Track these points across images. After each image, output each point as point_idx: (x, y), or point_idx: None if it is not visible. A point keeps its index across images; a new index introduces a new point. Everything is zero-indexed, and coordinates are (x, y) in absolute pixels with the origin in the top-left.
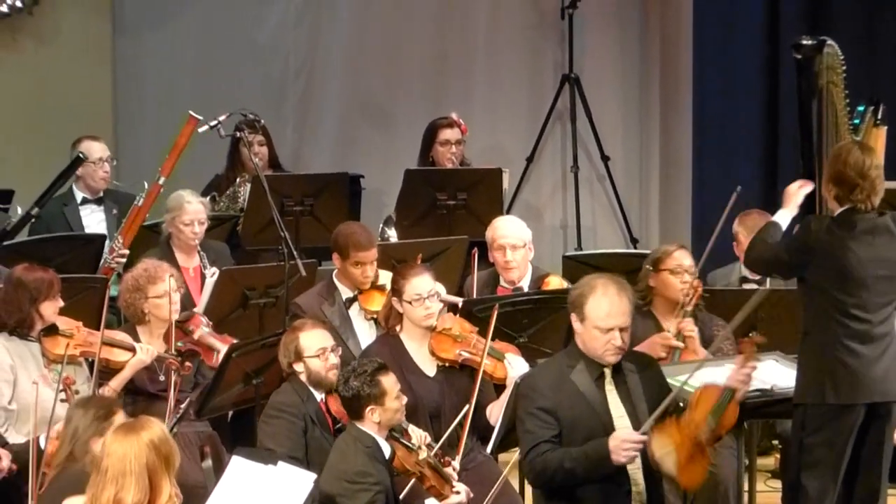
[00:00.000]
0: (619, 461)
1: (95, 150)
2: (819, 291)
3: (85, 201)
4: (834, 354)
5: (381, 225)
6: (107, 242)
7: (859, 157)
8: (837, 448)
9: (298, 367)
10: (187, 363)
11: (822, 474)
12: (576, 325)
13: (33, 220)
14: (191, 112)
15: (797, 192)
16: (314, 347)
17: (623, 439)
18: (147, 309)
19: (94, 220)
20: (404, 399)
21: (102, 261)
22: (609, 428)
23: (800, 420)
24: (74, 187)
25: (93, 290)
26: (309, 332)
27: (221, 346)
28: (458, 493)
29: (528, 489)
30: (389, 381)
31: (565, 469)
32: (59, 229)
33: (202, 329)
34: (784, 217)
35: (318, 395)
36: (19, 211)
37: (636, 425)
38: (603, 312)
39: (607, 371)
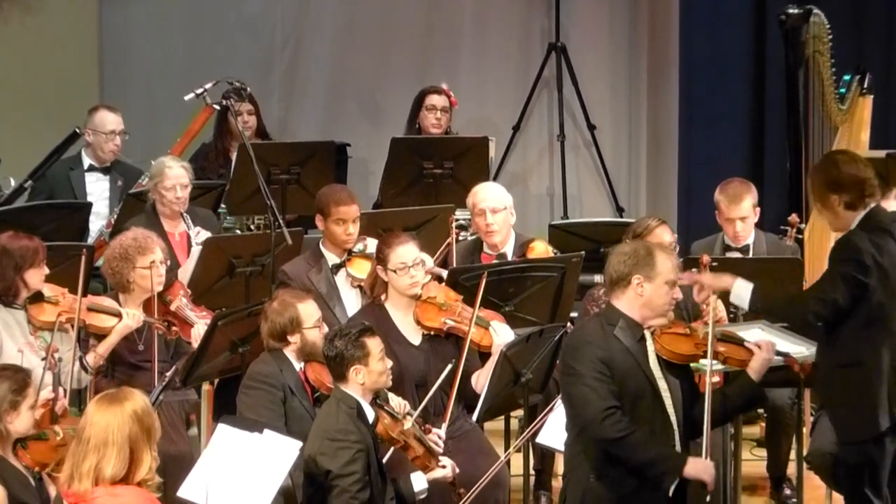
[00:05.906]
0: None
1: (109, 121)
2: (878, 310)
3: (92, 168)
4: (893, 378)
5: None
6: (106, 213)
7: (845, 157)
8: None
9: (294, 338)
10: (174, 328)
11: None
12: (641, 287)
13: (26, 191)
14: (209, 101)
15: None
16: (313, 318)
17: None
18: (133, 278)
19: (97, 188)
20: (389, 363)
21: (98, 233)
22: (655, 387)
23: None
24: (83, 153)
25: (78, 259)
26: (307, 303)
27: (197, 321)
28: (443, 466)
29: (514, 459)
30: (374, 343)
31: (645, 459)
32: (62, 193)
33: (179, 300)
34: (745, 286)
35: (297, 365)
36: (12, 183)
37: (671, 388)
38: (671, 265)
39: (647, 333)
